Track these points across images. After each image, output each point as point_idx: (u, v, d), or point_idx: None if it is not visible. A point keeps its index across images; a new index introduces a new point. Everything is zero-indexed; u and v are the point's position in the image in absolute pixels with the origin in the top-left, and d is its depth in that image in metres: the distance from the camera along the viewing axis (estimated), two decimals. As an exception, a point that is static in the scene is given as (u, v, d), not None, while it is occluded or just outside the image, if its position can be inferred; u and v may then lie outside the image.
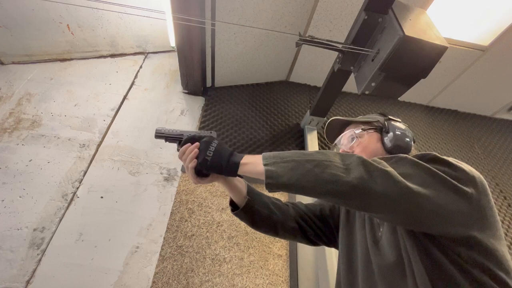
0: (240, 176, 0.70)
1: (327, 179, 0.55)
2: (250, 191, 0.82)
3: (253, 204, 0.81)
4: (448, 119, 2.65)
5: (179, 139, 0.74)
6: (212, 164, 0.67)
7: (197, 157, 0.68)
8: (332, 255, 1.47)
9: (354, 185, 0.53)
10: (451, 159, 0.58)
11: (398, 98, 1.57)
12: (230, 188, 0.78)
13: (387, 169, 0.54)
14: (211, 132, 0.76)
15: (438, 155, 0.59)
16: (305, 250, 1.60)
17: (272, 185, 0.58)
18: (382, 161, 0.57)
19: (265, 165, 0.60)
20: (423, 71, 1.22)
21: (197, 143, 0.70)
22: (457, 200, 0.53)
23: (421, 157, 0.60)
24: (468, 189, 0.53)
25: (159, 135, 0.75)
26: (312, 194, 0.58)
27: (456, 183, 0.53)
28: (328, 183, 0.55)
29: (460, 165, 0.57)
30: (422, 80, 1.25)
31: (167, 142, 0.76)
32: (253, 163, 0.64)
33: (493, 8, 1.94)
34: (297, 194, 0.60)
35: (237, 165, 0.66)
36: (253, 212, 0.82)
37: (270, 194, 0.81)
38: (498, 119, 2.78)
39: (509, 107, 2.64)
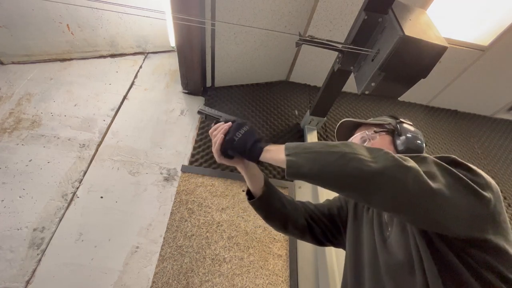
0: (260, 163, 0.72)
1: (350, 172, 0.54)
2: (267, 183, 0.85)
3: (269, 195, 0.83)
4: (448, 119, 2.65)
5: (216, 119, 0.81)
6: (237, 144, 0.70)
7: (226, 135, 0.71)
8: (332, 255, 1.47)
9: (379, 172, 0.52)
10: (470, 164, 0.58)
11: (398, 98, 1.57)
12: (249, 176, 0.81)
13: (415, 166, 0.53)
14: (246, 122, 0.80)
15: (458, 158, 0.59)
16: (305, 250, 1.60)
17: (292, 174, 0.59)
18: (407, 157, 0.57)
19: (287, 155, 0.60)
20: (423, 71, 1.22)
21: (230, 123, 0.74)
22: (477, 204, 0.53)
23: (442, 159, 0.60)
24: (487, 194, 0.53)
25: (201, 112, 0.83)
26: (333, 186, 0.57)
27: (476, 187, 0.53)
28: (350, 177, 0.54)
29: (478, 170, 0.57)
30: (422, 80, 1.25)
31: (206, 120, 0.84)
32: (275, 151, 0.65)
33: (493, 8, 1.94)
34: (317, 185, 0.60)
35: (260, 150, 0.68)
36: (268, 203, 0.84)
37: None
38: (498, 119, 2.78)
39: (509, 107, 2.64)
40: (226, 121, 0.77)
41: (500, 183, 2.22)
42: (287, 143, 0.63)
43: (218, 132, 0.72)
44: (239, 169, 0.80)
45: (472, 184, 0.54)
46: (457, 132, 2.55)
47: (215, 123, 0.78)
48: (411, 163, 0.54)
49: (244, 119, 2.35)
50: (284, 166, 0.59)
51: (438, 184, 0.53)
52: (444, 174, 0.55)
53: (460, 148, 2.42)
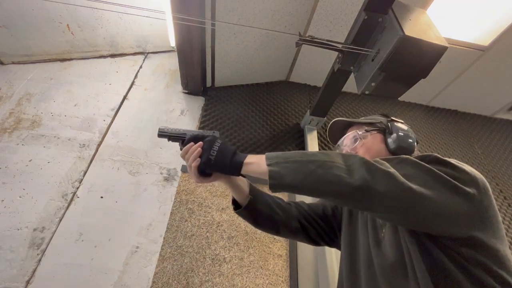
0: (243, 175, 0.70)
1: (330, 180, 0.55)
2: (252, 190, 0.83)
3: (255, 203, 0.81)
4: (448, 119, 2.65)
5: (182, 138, 0.75)
6: (215, 164, 0.67)
7: (200, 156, 0.69)
8: (332, 255, 1.47)
9: (356, 186, 0.53)
10: (452, 161, 0.58)
11: (398, 98, 1.57)
12: (232, 187, 0.79)
13: (389, 170, 0.54)
14: (213, 132, 0.76)
15: (440, 156, 0.60)
16: (305, 250, 1.60)
17: (276, 186, 0.58)
18: (384, 162, 0.58)
19: (268, 165, 0.60)
20: (423, 71, 1.22)
21: (200, 143, 0.70)
22: (458, 200, 0.53)
23: (423, 158, 0.60)
24: (470, 190, 0.53)
25: (162, 134, 0.75)
26: (315, 194, 0.58)
27: (457, 183, 0.53)
28: (331, 184, 0.55)
29: (462, 166, 0.57)
30: (422, 80, 1.25)
31: (170, 141, 0.76)
32: (257, 163, 0.64)
33: (493, 8, 1.94)
34: (300, 194, 0.61)
35: (240, 164, 0.66)
36: (255, 211, 0.82)
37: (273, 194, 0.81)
38: (498, 119, 2.78)
39: (509, 107, 2.64)
40: (193, 138, 0.72)
41: (500, 183, 2.22)
42: (267, 153, 0.63)
43: (190, 155, 0.69)
44: (222, 183, 0.78)
45: (453, 180, 0.54)
46: (457, 132, 2.55)
47: (182, 143, 0.73)
48: (386, 166, 0.55)
49: (244, 119, 2.34)
50: (266, 177, 0.59)
51: (417, 184, 0.53)
52: (421, 174, 0.56)
53: (460, 148, 2.42)
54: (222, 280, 1.44)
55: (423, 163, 0.58)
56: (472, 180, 0.55)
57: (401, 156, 0.64)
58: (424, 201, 0.52)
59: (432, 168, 0.56)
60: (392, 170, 0.55)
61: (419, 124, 2.53)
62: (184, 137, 0.74)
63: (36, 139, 1.75)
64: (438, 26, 1.22)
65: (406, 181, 0.53)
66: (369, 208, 0.56)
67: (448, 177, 0.54)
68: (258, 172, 0.63)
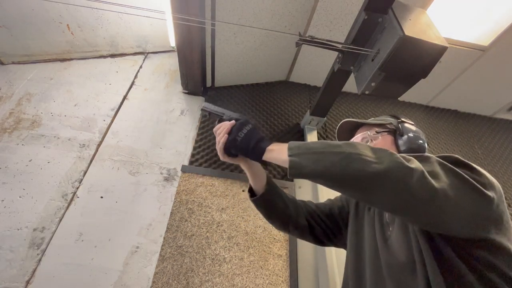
0: (264, 162, 0.72)
1: (353, 172, 0.54)
2: (270, 182, 0.85)
3: (271, 194, 0.83)
4: (448, 119, 2.65)
5: (220, 116, 0.81)
6: (240, 144, 0.70)
7: (229, 134, 0.72)
8: (332, 255, 1.47)
9: (385, 175, 0.52)
10: (473, 164, 0.58)
11: (398, 98, 1.57)
12: (252, 174, 0.81)
13: (420, 167, 0.53)
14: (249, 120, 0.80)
15: (461, 158, 0.59)
16: (305, 250, 1.60)
17: (295, 175, 0.59)
18: (411, 157, 0.56)
19: (289, 155, 0.60)
20: (423, 71, 1.22)
21: (233, 122, 0.74)
22: (480, 203, 0.52)
23: (444, 158, 0.60)
24: (490, 193, 0.53)
25: (205, 109, 0.84)
26: (335, 186, 0.57)
27: (479, 186, 0.53)
28: (353, 177, 0.54)
29: (481, 170, 0.57)
30: (422, 80, 1.25)
31: (209, 117, 0.85)
32: (278, 151, 0.65)
33: (493, 8, 1.94)
34: (318, 183, 0.60)
35: (263, 150, 0.68)
36: (270, 202, 0.84)
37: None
38: (498, 119, 2.78)
39: (509, 107, 2.64)
40: (229, 119, 0.77)
41: (501, 183, 2.20)
42: (290, 142, 0.63)
43: (221, 131, 0.73)
44: (242, 166, 0.81)
45: (476, 184, 0.53)
46: (457, 132, 2.55)
47: (219, 121, 0.79)
48: (415, 163, 0.54)
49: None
50: (286, 166, 0.60)
51: (441, 184, 0.52)
52: (447, 174, 0.55)
53: (460, 148, 2.42)
54: (222, 280, 1.44)
55: (447, 163, 0.57)
56: (491, 184, 0.55)
57: (425, 154, 0.62)
58: (447, 201, 0.51)
59: (457, 169, 0.55)
60: (421, 167, 0.54)
61: (419, 124, 2.53)
62: (222, 115, 0.81)
63: (36, 139, 1.75)
64: (438, 26, 1.22)
65: (432, 180, 0.52)
66: (389, 205, 0.55)
67: (472, 180, 0.54)
68: (278, 160, 0.64)
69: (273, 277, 1.49)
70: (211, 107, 0.83)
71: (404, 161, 0.54)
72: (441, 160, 0.58)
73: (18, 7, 1.87)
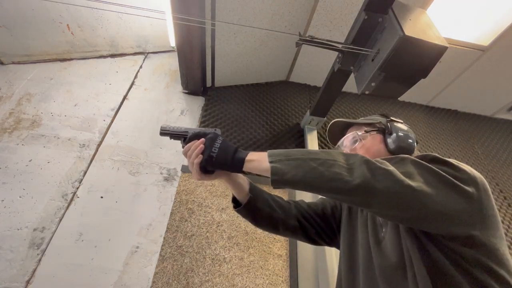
0: (244, 173, 0.70)
1: (331, 177, 0.56)
2: (253, 189, 0.83)
3: (255, 201, 0.82)
4: (448, 119, 2.65)
5: (184, 136, 0.75)
6: (217, 161, 0.68)
7: (202, 154, 0.69)
8: (332, 255, 1.47)
9: (357, 184, 0.54)
10: (451, 160, 0.59)
11: (398, 98, 1.57)
12: (232, 185, 0.79)
13: (389, 168, 0.55)
14: (215, 129, 0.77)
15: (439, 156, 0.60)
16: (305, 250, 1.60)
17: (278, 182, 0.59)
18: (384, 161, 0.58)
19: (270, 162, 0.60)
20: (423, 71, 1.22)
21: (202, 139, 0.71)
22: (458, 199, 0.53)
23: (422, 157, 0.61)
24: (469, 189, 0.53)
25: (164, 132, 0.75)
26: (316, 191, 0.59)
27: (457, 182, 0.54)
28: (332, 181, 0.56)
29: (461, 165, 0.57)
30: (422, 80, 1.25)
31: (172, 140, 0.77)
32: (259, 160, 0.65)
33: (493, 8, 1.94)
34: (301, 190, 0.61)
35: (242, 161, 0.66)
36: (255, 210, 0.82)
37: (274, 192, 0.81)
38: (498, 119, 2.78)
39: (509, 107, 2.64)
40: (195, 136, 0.72)
41: (500, 183, 2.22)
42: (269, 151, 0.64)
43: (192, 153, 0.69)
44: (223, 180, 0.78)
45: (453, 179, 0.54)
46: (457, 132, 2.55)
47: (184, 141, 0.74)
48: (386, 165, 0.56)
49: (244, 119, 2.34)
50: (268, 174, 0.60)
51: (416, 182, 0.54)
52: (422, 172, 0.56)
53: (460, 148, 2.42)
54: (222, 280, 1.44)
55: (422, 161, 0.58)
56: (471, 179, 0.55)
57: (401, 155, 0.64)
58: (423, 198, 0.52)
59: (432, 166, 0.56)
60: (392, 168, 0.55)
61: (419, 124, 2.53)
62: (186, 135, 0.75)
63: (36, 139, 1.75)
64: (438, 26, 1.22)
65: (406, 179, 0.54)
66: (368, 205, 0.57)
67: (447, 176, 0.54)
68: (260, 169, 0.64)
69: (273, 277, 1.49)
70: (171, 128, 0.75)
71: (376, 163, 0.56)
72: (417, 159, 0.59)
73: (18, 7, 1.87)
